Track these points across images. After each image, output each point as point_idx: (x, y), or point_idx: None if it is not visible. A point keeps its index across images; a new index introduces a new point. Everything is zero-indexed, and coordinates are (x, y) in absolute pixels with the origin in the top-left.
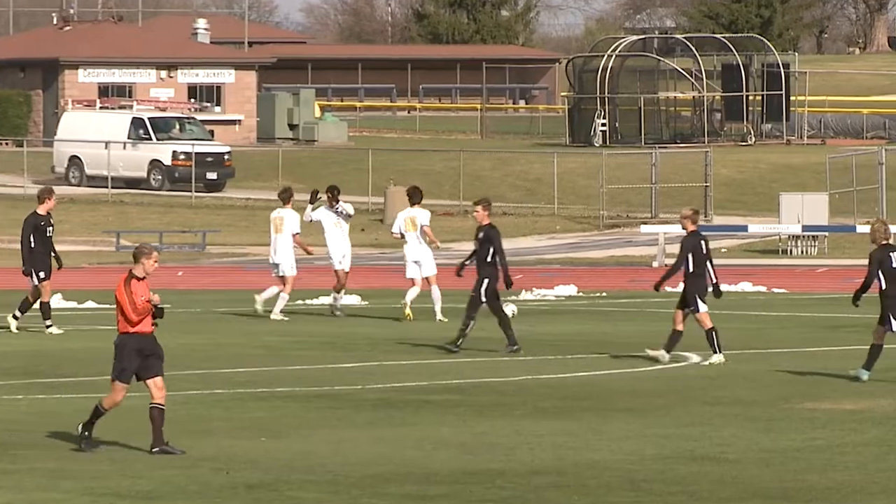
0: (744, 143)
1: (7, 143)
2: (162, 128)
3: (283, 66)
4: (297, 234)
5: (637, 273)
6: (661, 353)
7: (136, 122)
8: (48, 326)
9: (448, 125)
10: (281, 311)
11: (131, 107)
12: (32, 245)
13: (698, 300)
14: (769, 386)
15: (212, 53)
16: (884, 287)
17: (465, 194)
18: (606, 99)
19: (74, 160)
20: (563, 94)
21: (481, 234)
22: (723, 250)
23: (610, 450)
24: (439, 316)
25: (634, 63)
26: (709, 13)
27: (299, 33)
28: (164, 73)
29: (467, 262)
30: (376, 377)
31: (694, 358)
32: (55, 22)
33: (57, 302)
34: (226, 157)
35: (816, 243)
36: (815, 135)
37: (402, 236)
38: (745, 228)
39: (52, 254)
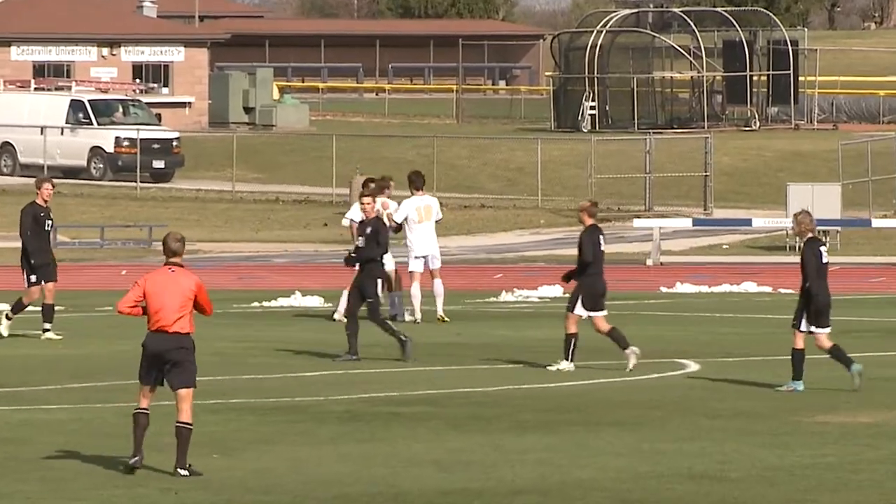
0: (747, 129)
1: None
2: (103, 111)
3: (237, 43)
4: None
5: (630, 272)
6: (631, 350)
7: (75, 105)
8: (45, 331)
9: (420, 108)
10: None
11: (70, 88)
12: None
13: (578, 301)
14: (774, 397)
15: (159, 29)
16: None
17: (439, 185)
18: (596, 79)
19: (6, 147)
20: (547, 74)
21: (368, 230)
22: (724, 247)
23: (599, 467)
24: (440, 312)
25: (626, 40)
26: None
27: (255, 7)
28: (105, 51)
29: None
30: (341, 387)
31: (692, 366)
32: None
33: None
34: (174, 143)
35: (828, 239)
36: (827, 119)
37: (400, 227)
38: (748, 222)
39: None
